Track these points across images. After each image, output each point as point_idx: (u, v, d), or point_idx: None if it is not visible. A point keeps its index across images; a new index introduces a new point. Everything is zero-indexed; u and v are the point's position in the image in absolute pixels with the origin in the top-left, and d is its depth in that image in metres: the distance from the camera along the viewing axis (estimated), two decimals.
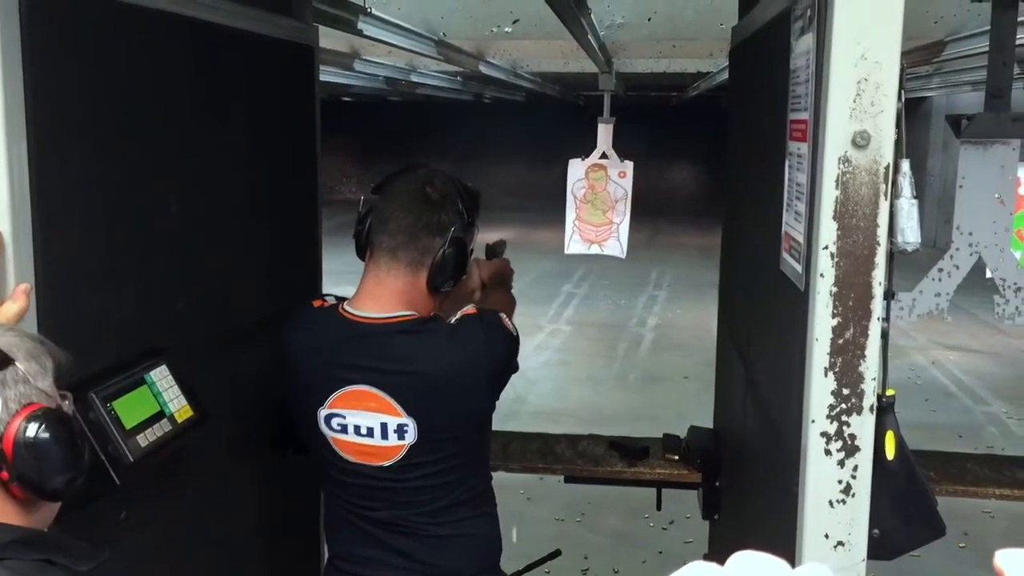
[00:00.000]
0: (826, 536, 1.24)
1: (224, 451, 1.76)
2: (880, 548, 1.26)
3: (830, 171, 1.18)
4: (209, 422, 1.47)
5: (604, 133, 2.73)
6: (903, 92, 1.18)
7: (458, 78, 7.26)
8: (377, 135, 17.94)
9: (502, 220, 13.88)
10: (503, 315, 1.68)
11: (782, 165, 1.42)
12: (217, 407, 1.58)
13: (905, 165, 1.22)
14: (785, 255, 1.41)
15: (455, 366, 1.56)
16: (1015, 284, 1.40)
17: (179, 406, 1.40)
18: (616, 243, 2.74)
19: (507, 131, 17.35)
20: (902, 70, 1.16)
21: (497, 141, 17.65)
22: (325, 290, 1.96)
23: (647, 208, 14.89)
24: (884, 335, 1.22)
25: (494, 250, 2.07)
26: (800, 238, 1.30)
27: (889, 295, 1.24)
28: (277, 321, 1.72)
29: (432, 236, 1.61)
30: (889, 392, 1.25)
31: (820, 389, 1.22)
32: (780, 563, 0.29)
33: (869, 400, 1.22)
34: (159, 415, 1.35)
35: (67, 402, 1.01)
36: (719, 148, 2.59)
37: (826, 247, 1.20)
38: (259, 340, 1.84)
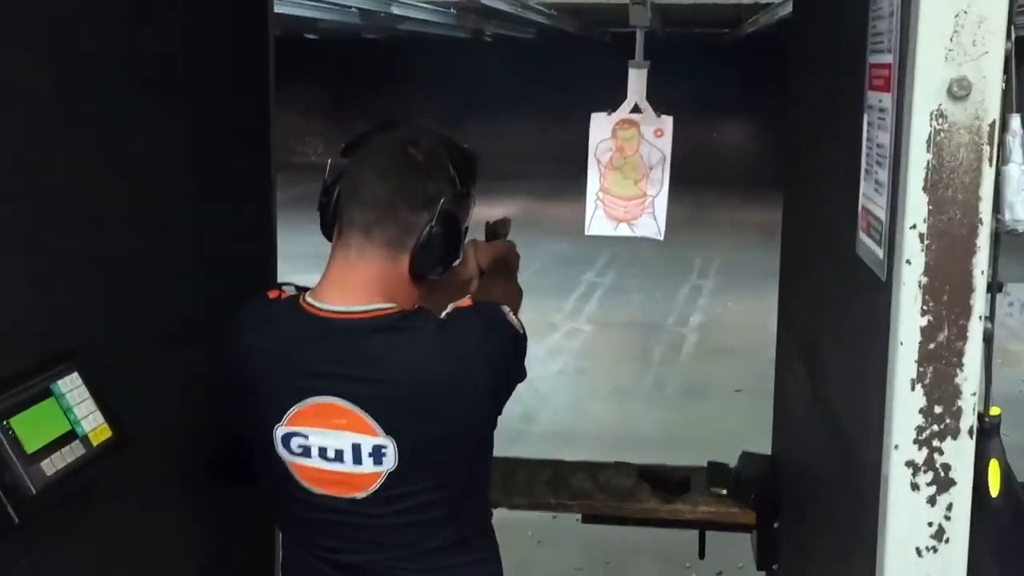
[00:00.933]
0: None
1: (152, 479, 1.76)
2: None
3: (919, 129, 1.18)
4: (132, 444, 1.47)
5: (636, 80, 2.71)
6: (1013, 29, 1.17)
7: (451, 10, 7.26)
8: (349, 82, 17.93)
9: (506, 191, 13.87)
10: (506, 308, 1.68)
11: (859, 121, 1.42)
12: (143, 425, 1.58)
13: (1015, 121, 1.21)
14: (862, 236, 1.41)
15: (445, 373, 1.56)
16: None
17: (94, 424, 1.40)
18: (651, 221, 2.73)
19: (513, 78, 17.33)
20: (1012, 1, 1.15)
21: (500, 91, 17.63)
22: (282, 277, 1.95)
23: (691, 176, 14.80)
24: (988, 338, 1.21)
25: (496, 230, 2.06)
26: (881, 214, 1.29)
27: (995, 287, 1.23)
28: (221, 317, 1.73)
29: (416, 210, 1.61)
30: (994, 411, 1.24)
31: (905, 406, 1.22)
32: None
33: (968, 421, 1.22)
34: (70, 435, 1.35)
35: None
36: (782, 100, 2.59)
37: (914, 226, 1.19)
38: (197, 341, 1.84)
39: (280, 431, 1.61)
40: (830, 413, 1.71)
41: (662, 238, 2.72)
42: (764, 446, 2.65)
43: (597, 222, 2.76)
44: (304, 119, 18.52)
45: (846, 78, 1.55)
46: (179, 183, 1.83)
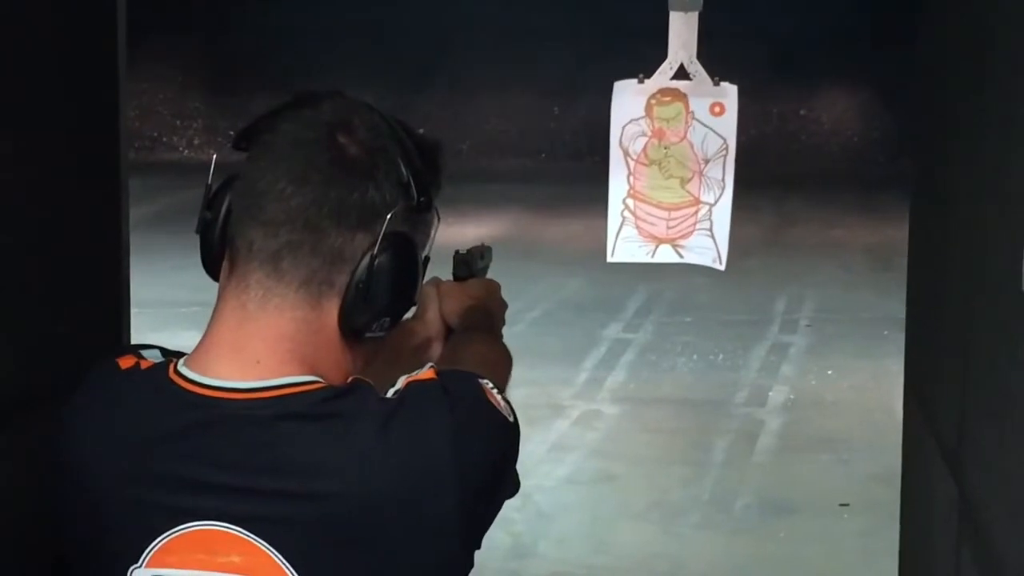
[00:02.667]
0: None
1: None
2: None
3: None
4: None
5: (682, 29, 2.73)
6: None
7: None
8: (240, 37, 17.99)
9: (486, 201, 13.89)
10: (486, 382, 1.68)
11: None
12: None
13: None
14: None
15: (393, 486, 1.56)
16: None
17: None
18: (707, 242, 2.74)
19: (493, 26, 17.43)
20: None
21: (475, 48, 17.73)
22: (138, 337, 1.94)
23: (768, 174, 14.86)
24: None
25: (469, 263, 2.08)
26: None
27: None
28: (42, 402, 1.72)
29: (349, 230, 1.62)
30: None
31: None
32: None
33: None
34: None
35: None
36: (909, 56, 2.60)
37: None
38: (7, 439, 1.84)
39: (138, 575, 1.60)
40: (988, 539, 1.71)
41: (723, 267, 2.73)
42: None
43: (625, 245, 2.76)
44: (176, 94, 18.57)
45: (1011, 16, 1.56)
46: None
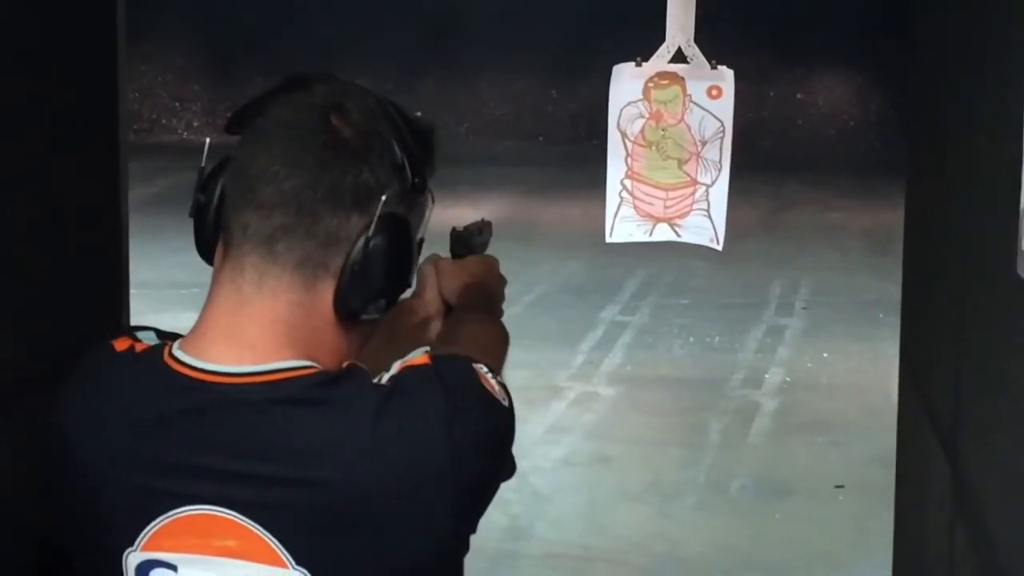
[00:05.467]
0: None
1: None
2: None
3: None
4: None
5: (680, 11, 2.73)
6: None
7: None
8: (236, 21, 17.95)
9: (483, 184, 13.88)
10: (481, 367, 1.68)
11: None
12: None
13: None
14: None
15: (387, 472, 1.56)
16: None
17: None
18: (704, 222, 2.73)
19: (491, 8, 17.41)
20: None
21: (471, 30, 17.71)
22: (138, 318, 1.94)
23: (765, 158, 14.89)
24: None
25: (468, 240, 2.08)
26: None
27: None
28: (42, 384, 1.71)
29: (344, 213, 1.62)
30: None
31: None
32: None
33: None
34: None
35: None
36: (902, 40, 2.60)
37: None
38: (6, 422, 1.84)
39: (133, 559, 1.60)
40: (982, 519, 1.72)
41: (720, 247, 2.72)
42: (881, 571, 2.67)
43: (623, 225, 2.76)
44: (173, 76, 18.55)
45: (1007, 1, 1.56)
46: None
